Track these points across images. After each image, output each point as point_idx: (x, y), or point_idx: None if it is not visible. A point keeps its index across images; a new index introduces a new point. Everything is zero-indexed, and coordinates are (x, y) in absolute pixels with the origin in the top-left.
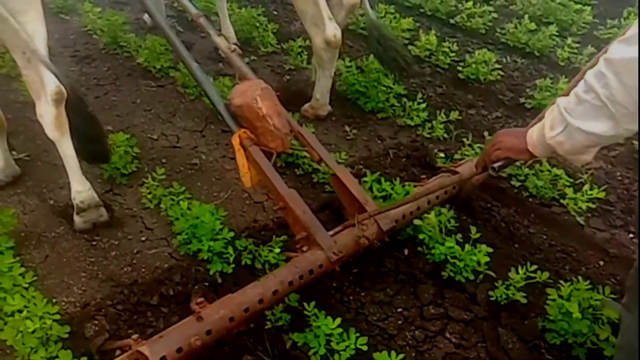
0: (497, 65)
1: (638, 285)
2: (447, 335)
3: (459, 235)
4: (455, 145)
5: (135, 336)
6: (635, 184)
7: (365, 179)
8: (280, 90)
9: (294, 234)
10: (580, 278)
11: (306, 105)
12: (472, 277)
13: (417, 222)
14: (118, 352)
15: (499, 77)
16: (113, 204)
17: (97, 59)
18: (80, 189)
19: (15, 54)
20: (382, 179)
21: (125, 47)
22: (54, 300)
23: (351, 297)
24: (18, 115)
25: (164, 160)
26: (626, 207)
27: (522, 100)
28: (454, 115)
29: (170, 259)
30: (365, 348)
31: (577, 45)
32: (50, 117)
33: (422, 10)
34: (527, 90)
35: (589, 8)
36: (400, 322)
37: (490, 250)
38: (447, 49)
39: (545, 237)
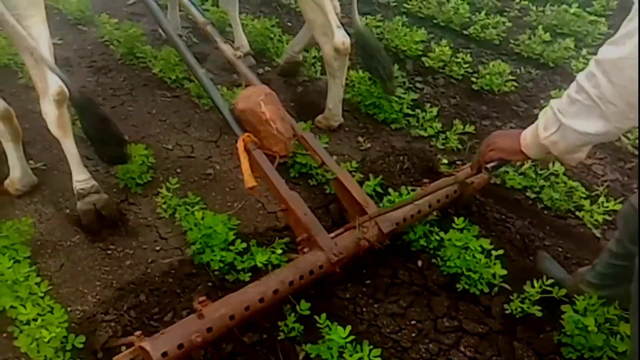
0: (511, 77)
1: (638, 290)
2: (462, 348)
3: (474, 247)
4: (469, 157)
5: (138, 333)
6: None
7: (369, 182)
8: (294, 101)
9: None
10: None
11: (319, 117)
12: (486, 290)
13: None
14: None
15: (513, 88)
16: (128, 213)
17: (113, 70)
18: (80, 178)
19: (24, 55)
20: (391, 190)
21: (142, 58)
22: (69, 309)
23: (364, 309)
24: (35, 125)
25: (178, 170)
26: None
27: (536, 111)
28: (469, 128)
29: (185, 269)
30: None
31: (592, 56)
32: (52, 116)
33: (435, 21)
34: (542, 101)
35: (603, 19)
36: (413, 334)
37: (505, 262)
38: (460, 60)
39: (560, 249)
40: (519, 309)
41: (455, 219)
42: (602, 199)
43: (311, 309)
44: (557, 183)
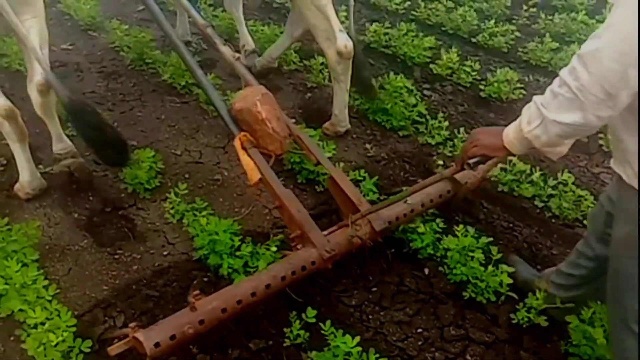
0: (519, 84)
1: (639, 299)
2: (468, 357)
3: (481, 256)
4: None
5: (132, 324)
6: None
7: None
8: (301, 108)
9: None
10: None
11: (327, 123)
12: (493, 299)
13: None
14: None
15: (520, 95)
16: (136, 218)
17: (123, 75)
18: (60, 147)
19: (20, 44)
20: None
21: (151, 63)
22: (76, 313)
23: (370, 316)
24: (45, 129)
25: (186, 176)
26: None
27: None
28: None
29: (192, 274)
30: None
31: None
32: (36, 102)
33: (443, 28)
34: None
35: None
36: (420, 342)
37: (512, 270)
38: (468, 68)
39: None
40: (526, 319)
41: (463, 227)
42: None
43: (317, 316)
44: (566, 192)
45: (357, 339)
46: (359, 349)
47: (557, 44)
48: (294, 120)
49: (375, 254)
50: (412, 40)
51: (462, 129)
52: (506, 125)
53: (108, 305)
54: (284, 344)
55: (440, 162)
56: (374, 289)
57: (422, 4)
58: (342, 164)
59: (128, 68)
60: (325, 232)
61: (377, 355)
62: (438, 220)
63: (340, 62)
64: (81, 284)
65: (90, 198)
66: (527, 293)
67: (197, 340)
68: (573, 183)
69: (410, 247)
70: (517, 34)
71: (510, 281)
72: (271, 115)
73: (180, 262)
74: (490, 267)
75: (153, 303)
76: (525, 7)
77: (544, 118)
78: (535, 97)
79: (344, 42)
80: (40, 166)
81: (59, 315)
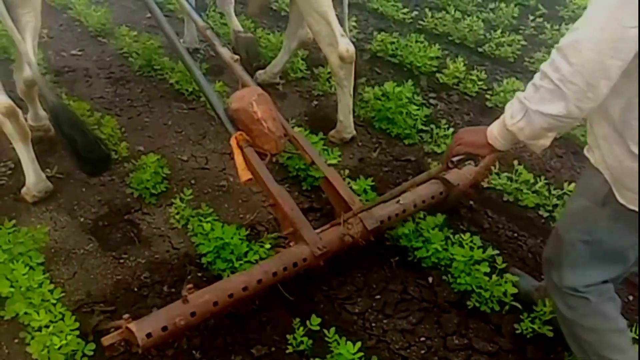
0: None
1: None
2: None
3: (485, 265)
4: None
5: (126, 316)
6: None
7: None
8: (308, 116)
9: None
10: None
11: (332, 131)
12: (497, 308)
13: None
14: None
15: None
16: (142, 222)
17: (131, 81)
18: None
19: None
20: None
21: (159, 70)
22: (80, 316)
23: (373, 324)
24: (53, 134)
25: (192, 182)
26: None
27: None
28: None
29: (197, 280)
30: None
31: None
32: (20, 90)
33: (450, 38)
34: None
35: None
36: (423, 351)
37: (516, 279)
38: (475, 77)
39: None
40: (530, 329)
41: (467, 236)
42: None
43: (320, 323)
44: None
45: (360, 346)
46: (362, 356)
47: None
48: (299, 127)
49: (379, 262)
50: (419, 50)
51: None
52: None
53: (113, 309)
54: (287, 351)
55: (436, 164)
56: (378, 296)
57: (430, 14)
58: (347, 171)
59: (136, 74)
60: (318, 230)
61: None
62: (444, 229)
63: (342, 67)
64: (86, 288)
65: (97, 202)
66: (530, 304)
67: (199, 346)
68: None
69: (415, 255)
70: (524, 44)
71: (515, 291)
72: (267, 115)
73: (186, 267)
74: (494, 277)
75: (157, 307)
76: (532, 18)
77: (527, 110)
78: (517, 93)
79: (345, 46)
80: (48, 170)
81: (62, 319)
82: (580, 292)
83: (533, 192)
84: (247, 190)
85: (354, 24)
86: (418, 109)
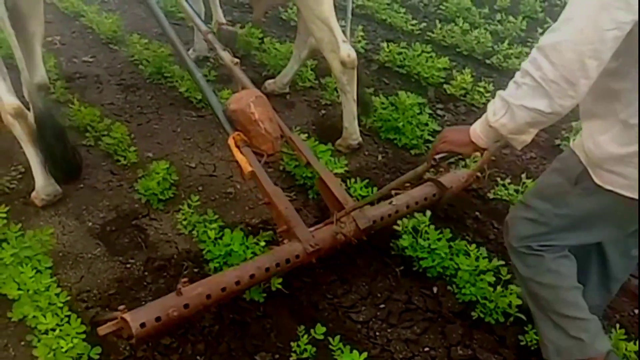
0: None
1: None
2: None
3: (490, 275)
4: (488, 185)
5: (122, 307)
6: None
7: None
8: (315, 124)
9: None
10: (617, 326)
11: (339, 140)
12: (502, 320)
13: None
14: None
15: None
16: (149, 228)
17: (141, 88)
18: None
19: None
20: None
21: (169, 77)
22: (87, 320)
23: (377, 333)
24: None
25: (200, 188)
26: None
27: (557, 141)
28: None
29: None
30: None
31: None
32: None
33: (458, 50)
34: (563, 131)
35: None
36: None
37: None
38: (482, 89)
39: None
40: (534, 340)
41: (473, 246)
42: None
43: (324, 331)
44: None
45: (364, 355)
46: None
47: None
48: (306, 135)
49: (384, 271)
50: (427, 61)
51: None
52: None
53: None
54: (290, 358)
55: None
56: (382, 305)
57: (439, 26)
58: (352, 180)
59: (146, 81)
60: (312, 229)
61: None
62: (450, 239)
63: (344, 72)
64: (93, 292)
65: (105, 207)
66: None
67: (204, 351)
68: None
69: (420, 265)
70: None
71: (520, 302)
72: (264, 116)
73: (192, 274)
74: (499, 288)
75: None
76: (540, 30)
77: (509, 105)
78: (498, 92)
79: (347, 51)
80: None
81: (69, 322)
82: (535, 250)
83: None
84: (253, 197)
85: (362, 34)
86: (427, 120)
